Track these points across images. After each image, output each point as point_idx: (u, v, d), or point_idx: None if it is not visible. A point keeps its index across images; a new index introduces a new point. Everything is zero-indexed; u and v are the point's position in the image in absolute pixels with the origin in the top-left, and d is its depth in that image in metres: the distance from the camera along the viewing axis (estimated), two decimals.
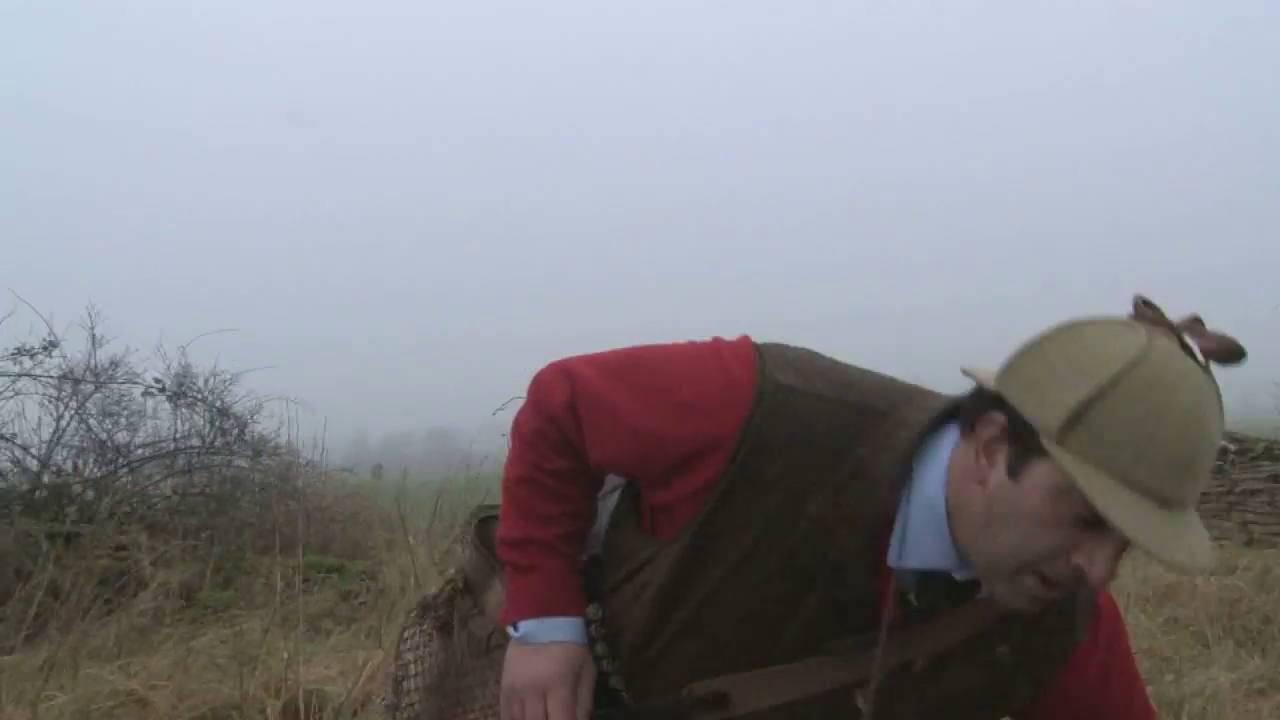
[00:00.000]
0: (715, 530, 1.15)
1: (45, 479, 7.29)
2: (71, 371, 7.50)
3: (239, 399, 8.47)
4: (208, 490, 7.71)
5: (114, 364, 7.86)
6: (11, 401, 7.21)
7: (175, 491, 7.58)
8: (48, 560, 5.70)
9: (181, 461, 7.90)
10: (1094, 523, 0.99)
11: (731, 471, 1.13)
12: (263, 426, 8.65)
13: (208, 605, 5.73)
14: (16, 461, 7.35)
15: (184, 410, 8.18)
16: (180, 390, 8.11)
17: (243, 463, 8.39)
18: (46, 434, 7.44)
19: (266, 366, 8.68)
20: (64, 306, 7.58)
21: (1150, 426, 0.97)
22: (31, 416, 7.43)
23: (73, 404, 7.52)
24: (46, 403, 7.38)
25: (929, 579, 1.14)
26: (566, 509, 1.26)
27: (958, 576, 1.13)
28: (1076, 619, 1.21)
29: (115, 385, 7.87)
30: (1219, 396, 1.01)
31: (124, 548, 6.03)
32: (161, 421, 8.15)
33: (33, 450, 7.36)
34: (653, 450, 1.17)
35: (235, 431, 8.41)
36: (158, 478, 7.74)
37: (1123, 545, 1.00)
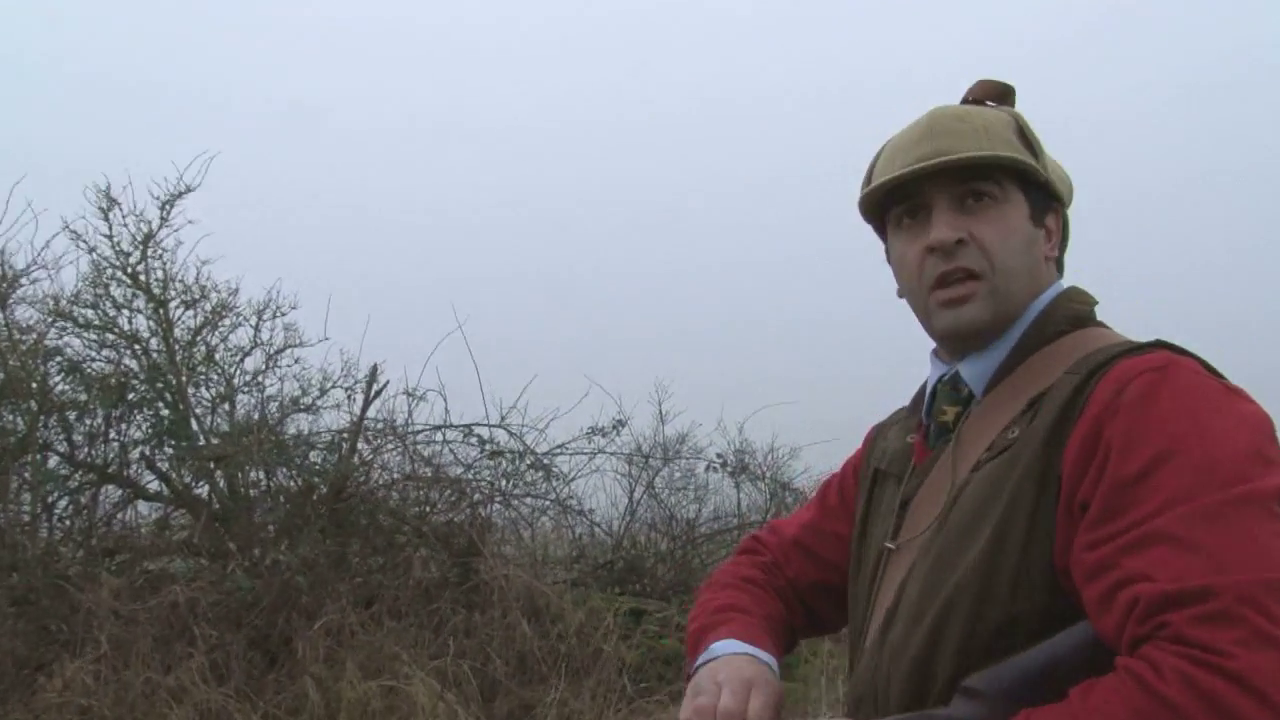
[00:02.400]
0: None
1: (620, 553, 7.47)
2: (640, 448, 7.67)
3: (799, 474, 8.17)
4: None
5: (680, 439, 7.96)
6: (590, 478, 7.50)
7: None
8: (611, 634, 5.67)
9: (745, 536, 7.75)
10: (909, 223, 1.21)
11: None
12: None
13: None
14: (593, 536, 7.62)
15: (746, 484, 8.08)
16: (741, 465, 7.99)
17: None
18: (621, 508, 7.64)
19: (828, 440, 8.29)
20: (632, 383, 7.76)
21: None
22: (606, 493, 7.70)
23: (643, 479, 7.68)
24: (619, 478, 7.60)
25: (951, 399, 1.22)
26: None
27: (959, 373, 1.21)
28: (1087, 384, 1.05)
29: (681, 461, 7.95)
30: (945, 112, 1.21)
31: (681, 627, 5.81)
32: (724, 496, 8.09)
33: (606, 526, 7.60)
34: None
35: (797, 505, 8.13)
36: (721, 554, 7.61)
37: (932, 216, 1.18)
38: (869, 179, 1.28)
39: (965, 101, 1.26)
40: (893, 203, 1.23)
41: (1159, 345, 1.09)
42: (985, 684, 0.98)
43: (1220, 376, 1.06)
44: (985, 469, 1.10)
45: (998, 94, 1.26)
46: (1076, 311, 1.19)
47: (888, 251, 1.29)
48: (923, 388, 1.31)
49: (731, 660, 1.23)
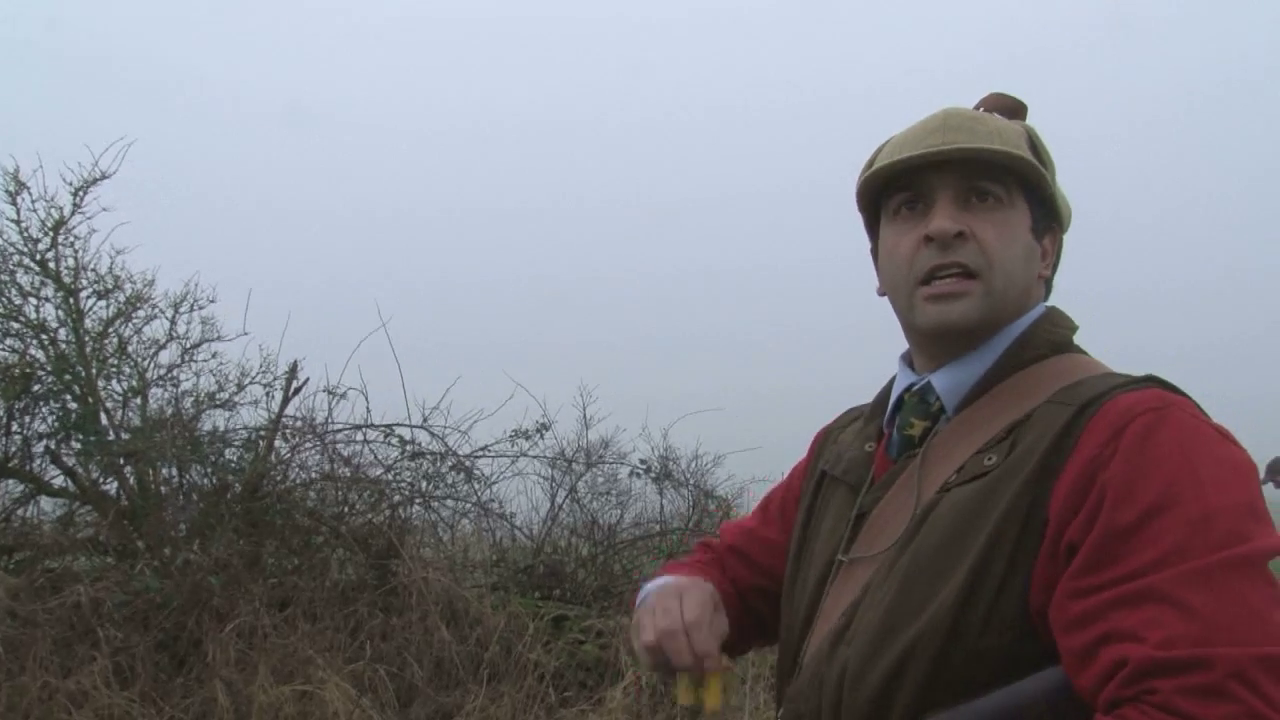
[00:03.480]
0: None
1: (541, 557, 7.42)
2: (563, 453, 7.63)
3: (721, 481, 8.22)
4: None
5: (604, 444, 7.94)
6: (513, 482, 7.44)
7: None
8: (535, 641, 5.63)
9: (666, 543, 7.77)
10: (907, 214, 1.17)
11: None
12: (746, 509, 8.35)
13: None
14: (513, 540, 7.56)
15: (669, 491, 8.08)
16: (665, 471, 8.00)
17: None
18: (542, 512, 7.60)
19: (750, 449, 8.35)
20: (556, 387, 7.73)
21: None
22: (528, 497, 7.64)
23: (566, 483, 7.65)
24: (541, 482, 7.55)
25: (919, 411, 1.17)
26: None
27: (925, 383, 1.17)
28: (1078, 420, 1.01)
29: (605, 465, 7.93)
30: (961, 112, 1.17)
31: (603, 634, 5.79)
32: (647, 502, 8.10)
33: (527, 530, 7.54)
34: None
35: (720, 514, 8.18)
36: (643, 560, 7.62)
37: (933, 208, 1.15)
38: (870, 166, 1.22)
39: (988, 108, 1.22)
40: (894, 191, 1.18)
41: (1151, 381, 1.05)
42: None
43: (1208, 417, 1.03)
44: (956, 493, 1.06)
45: (1009, 108, 1.22)
46: (1058, 337, 1.15)
47: (875, 245, 1.25)
48: (884, 392, 1.27)
49: (662, 588, 1.26)
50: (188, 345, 6.58)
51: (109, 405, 6.31)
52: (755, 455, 8.30)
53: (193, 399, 6.57)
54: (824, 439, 1.39)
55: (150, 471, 6.07)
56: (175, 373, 6.56)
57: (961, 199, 1.14)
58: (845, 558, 1.17)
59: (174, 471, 6.18)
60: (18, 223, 6.15)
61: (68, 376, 6.12)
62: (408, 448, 6.73)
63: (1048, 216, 1.18)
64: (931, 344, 1.18)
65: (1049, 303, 1.22)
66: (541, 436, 7.27)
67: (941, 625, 1.00)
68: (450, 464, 6.84)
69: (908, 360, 1.24)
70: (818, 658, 1.13)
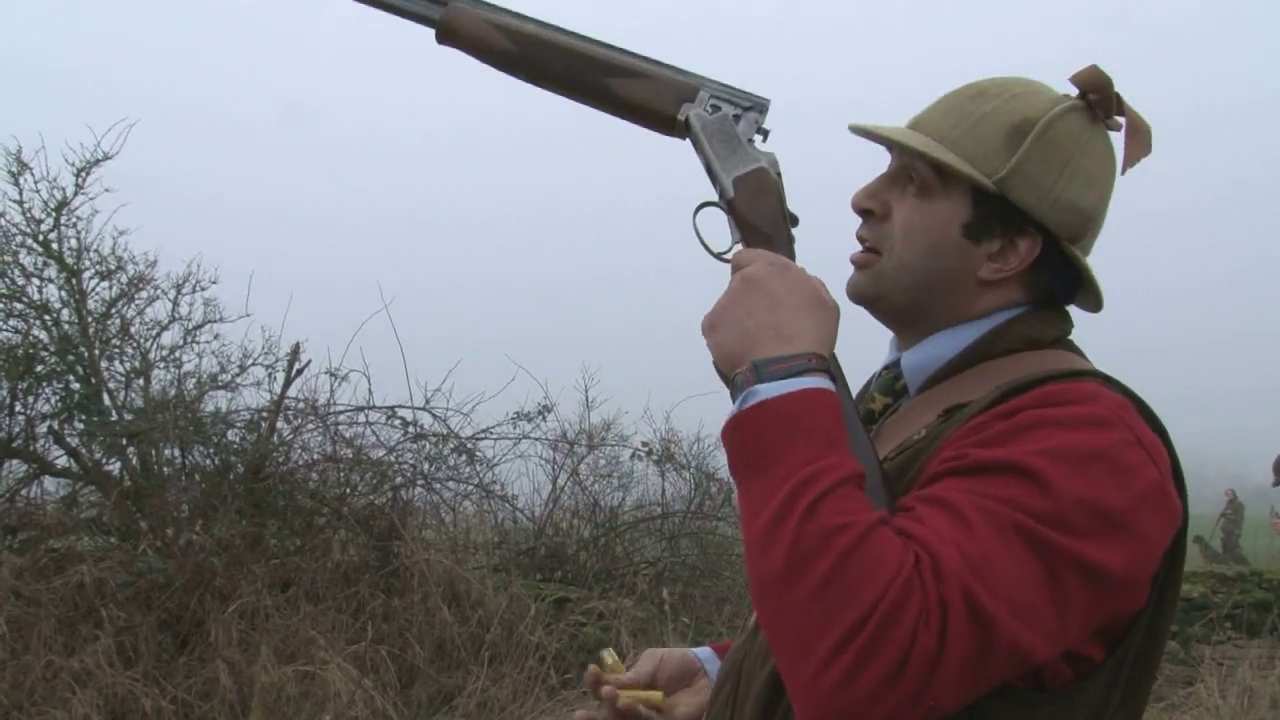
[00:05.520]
0: None
1: (543, 539, 7.45)
2: (565, 435, 7.64)
3: (724, 464, 8.22)
4: (689, 561, 7.47)
5: (606, 427, 7.95)
6: (515, 464, 7.45)
7: (659, 559, 7.42)
8: (537, 623, 5.65)
9: (668, 526, 7.80)
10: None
11: None
12: None
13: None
14: (515, 522, 7.58)
15: (671, 474, 8.10)
16: (667, 454, 8.01)
17: (729, 529, 8.14)
18: (544, 494, 7.62)
19: None
20: (558, 368, 7.72)
21: None
22: (530, 480, 7.65)
23: (568, 465, 7.66)
24: (543, 464, 7.56)
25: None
26: None
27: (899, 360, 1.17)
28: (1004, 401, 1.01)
29: (607, 448, 7.94)
30: (973, 87, 1.15)
31: (604, 616, 5.82)
32: (649, 485, 8.11)
33: (529, 512, 7.57)
34: None
35: (721, 497, 8.19)
36: (644, 543, 7.65)
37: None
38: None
39: (1073, 80, 1.13)
40: None
41: (1094, 376, 1.03)
42: None
43: (1153, 421, 1.01)
44: (888, 467, 1.06)
45: (1092, 86, 1.12)
46: (1036, 332, 1.11)
47: None
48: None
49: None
50: (190, 326, 6.59)
51: (112, 386, 6.33)
52: None
53: (195, 380, 6.59)
54: None
55: (153, 452, 6.09)
56: (178, 354, 6.58)
57: (901, 174, 1.14)
58: None
59: (177, 452, 6.20)
60: (20, 203, 6.16)
61: (71, 357, 6.14)
62: (410, 429, 6.75)
63: (1005, 217, 1.09)
64: (878, 318, 1.19)
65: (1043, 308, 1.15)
66: (543, 419, 7.28)
67: None
68: (452, 446, 6.86)
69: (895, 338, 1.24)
70: (750, 629, 1.15)
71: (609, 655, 1.28)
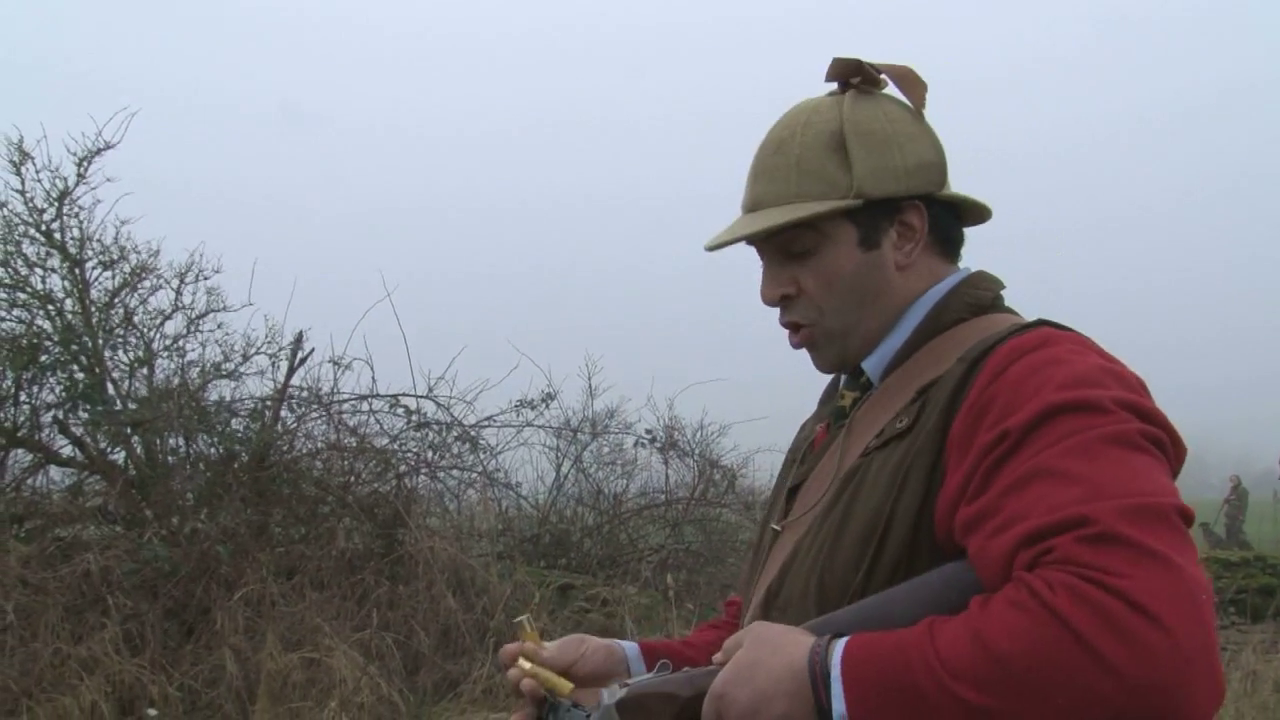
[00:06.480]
0: None
1: (547, 526, 7.46)
2: (568, 422, 7.64)
3: (727, 451, 8.23)
4: (693, 547, 7.49)
5: (609, 414, 7.95)
6: (518, 451, 7.46)
7: (663, 546, 7.43)
8: (541, 610, 5.67)
9: (672, 512, 7.80)
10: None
11: None
12: (752, 480, 8.36)
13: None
14: (519, 509, 7.59)
15: (674, 461, 8.11)
16: (670, 441, 8.02)
17: (733, 516, 8.14)
18: (548, 482, 7.62)
19: (756, 418, 8.34)
20: (562, 356, 7.71)
21: None
22: (534, 467, 7.66)
23: (571, 453, 7.67)
24: (547, 452, 7.57)
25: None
26: None
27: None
28: (971, 372, 1.06)
29: (610, 435, 7.95)
30: (770, 142, 1.20)
31: (608, 602, 5.84)
32: (653, 472, 8.12)
33: (533, 499, 7.57)
34: None
35: (725, 484, 8.20)
36: (648, 529, 7.66)
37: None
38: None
39: (828, 78, 1.21)
40: None
41: (1041, 324, 1.10)
42: (818, 627, 0.99)
43: (1101, 351, 1.07)
44: (875, 457, 1.10)
45: (848, 73, 1.20)
46: (977, 298, 1.17)
47: None
48: (838, 375, 1.31)
49: None
50: (193, 316, 6.60)
51: (116, 375, 6.34)
52: (762, 425, 8.30)
53: (199, 369, 6.60)
54: (801, 427, 1.44)
55: (157, 441, 6.11)
56: (181, 343, 6.60)
57: (782, 253, 1.18)
58: (778, 526, 1.24)
59: (181, 441, 6.22)
60: (22, 193, 6.16)
61: (74, 347, 6.15)
62: (413, 418, 6.76)
63: (882, 211, 1.16)
64: (857, 367, 1.24)
65: (970, 267, 1.22)
66: (547, 406, 7.29)
67: (849, 578, 1.07)
68: (456, 434, 6.87)
69: None
70: (755, 615, 1.19)
71: (528, 624, 1.27)
